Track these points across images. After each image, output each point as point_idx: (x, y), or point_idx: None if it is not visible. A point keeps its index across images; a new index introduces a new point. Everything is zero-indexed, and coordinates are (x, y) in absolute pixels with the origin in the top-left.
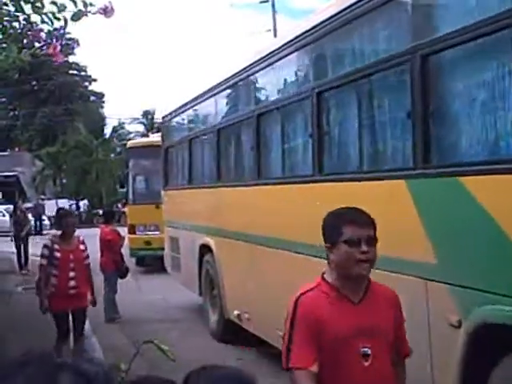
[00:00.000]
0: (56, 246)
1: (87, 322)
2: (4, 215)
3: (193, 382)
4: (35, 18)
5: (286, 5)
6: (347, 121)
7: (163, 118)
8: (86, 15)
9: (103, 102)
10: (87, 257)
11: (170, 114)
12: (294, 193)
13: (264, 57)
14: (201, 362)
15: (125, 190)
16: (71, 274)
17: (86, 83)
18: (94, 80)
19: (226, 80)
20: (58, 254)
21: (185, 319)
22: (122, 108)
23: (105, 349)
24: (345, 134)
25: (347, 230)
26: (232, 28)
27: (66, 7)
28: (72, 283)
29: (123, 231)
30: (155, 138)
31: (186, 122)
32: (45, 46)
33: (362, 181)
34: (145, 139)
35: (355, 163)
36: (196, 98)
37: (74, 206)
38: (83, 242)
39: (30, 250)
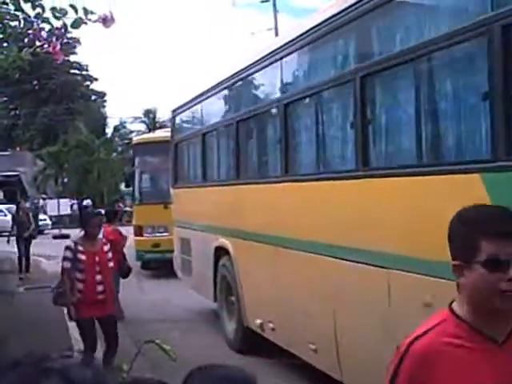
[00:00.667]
0: (80, 248)
1: None
2: (6, 215)
3: (190, 383)
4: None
5: (288, 4)
6: (402, 107)
7: (173, 111)
8: (86, 23)
9: (105, 101)
10: (111, 259)
11: (181, 106)
12: (331, 190)
13: (294, 39)
14: (203, 362)
15: (130, 189)
16: (98, 277)
17: (88, 82)
18: (96, 79)
19: (246, 68)
20: (82, 257)
21: (187, 319)
22: (123, 107)
23: None
24: (398, 122)
25: (488, 245)
26: (233, 27)
27: (67, 12)
28: (99, 288)
29: (125, 231)
30: (162, 133)
31: (199, 114)
32: (45, 45)
33: (420, 175)
34: (152, 135)
35: (411, 155)
36: (211, 89)
37: (75, 206)
38: (106, 244)
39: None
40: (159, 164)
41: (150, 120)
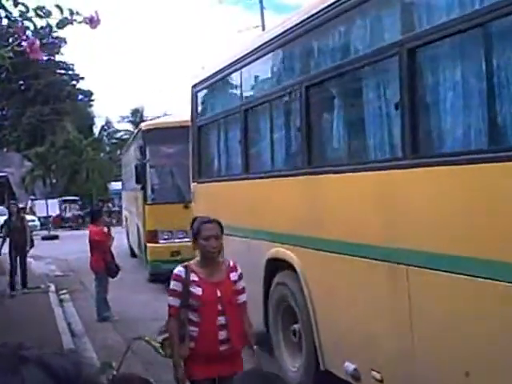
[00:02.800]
0: (194, 277)
1: (79, 322)
2: None
3: None
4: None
5: (274, 1)
6: None
7: (194, 86)
8: (72, 24)
9: (92, 100)
10: (243, 290)
11: (207, 79)
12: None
13: None
14: None
15: (140, 185)
16: (220, 320)
17: (74, 82)
18: (82, 78)
19: (328, 7)
20: (198, 291)
21: None
22: (110, 107)
23: (98, 348)
24: None
25: None
26: (220, 25)
27: (51, 13)
28: (222, 335)
29: (113, 231)
30: (176, 118)
31: (237, 85)
32: (23, 42)
33: None
34: (166, 119)
35: None
36: (259, 49)
37: (63, 207)
38: (235, 269)
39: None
40: (177, 155)
41: (138, 119)
